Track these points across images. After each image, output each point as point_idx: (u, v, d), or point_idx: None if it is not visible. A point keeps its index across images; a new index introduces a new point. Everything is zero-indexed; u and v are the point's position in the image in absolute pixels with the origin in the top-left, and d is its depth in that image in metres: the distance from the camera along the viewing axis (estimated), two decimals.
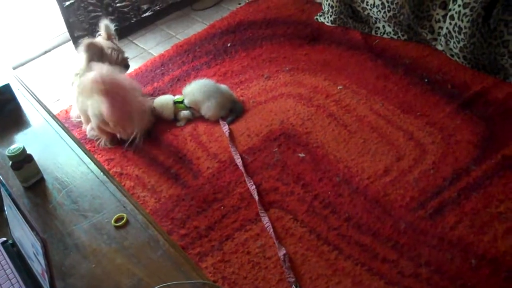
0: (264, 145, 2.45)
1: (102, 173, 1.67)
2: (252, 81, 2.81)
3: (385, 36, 2.89)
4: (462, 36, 2.47)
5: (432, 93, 2.53)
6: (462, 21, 2.43)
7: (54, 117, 1.97)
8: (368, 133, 2.40)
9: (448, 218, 2.01)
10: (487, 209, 2.01)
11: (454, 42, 2.53)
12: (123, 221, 1.49)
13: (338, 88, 2.66)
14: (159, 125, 2.67)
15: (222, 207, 2.21)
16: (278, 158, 2.37)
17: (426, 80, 2.59)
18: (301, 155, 2.36)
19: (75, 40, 3.36)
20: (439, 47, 2.69)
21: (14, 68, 3.30)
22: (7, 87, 1.92)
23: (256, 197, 2.18)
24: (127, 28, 3.50)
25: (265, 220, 2.10)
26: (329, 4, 3.00)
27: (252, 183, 2.25)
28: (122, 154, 2.55)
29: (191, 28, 3.42)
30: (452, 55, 2.61)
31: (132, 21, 3.50)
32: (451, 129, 2.34)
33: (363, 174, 2.23)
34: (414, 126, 2.39)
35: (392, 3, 2.67)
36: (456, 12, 2.45)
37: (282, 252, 1.98)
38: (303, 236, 2.05)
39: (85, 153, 1.76)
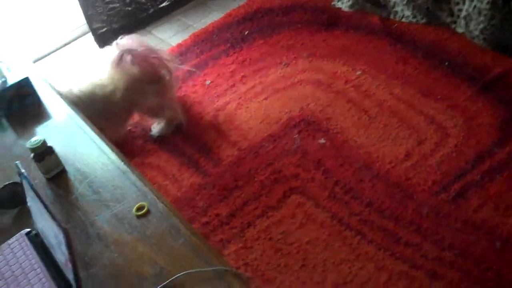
0: (284, 132, 2.44)
1: (123, 163, 1.67)
2: (271, 69, 2.80)
3: (403, 20, 2.86)
4: (482, 18, 2.43)
5: (452, 76, 2.50)
6: (481, 2, 2.40)
7: (74, 109, 1.98)
8: (388, 118, 2.38)
9: (472, 201, 1.99)
10: (511, 191, 1.98)
11: (474, 24, 2.50)
12: (144, 210, 1.50)
13: (357, 73, 2.64)
14: None
15: (243, 195, 2.22)
16: (298, 145, 2.36)
17: (446, 63, 2.56)
18: (322, 141, 2.35)
19: (95, 32, 3.37)
20: (459, 30, 2.66)
21: (34, 62, 3.33)
22: (26, 81, 1.93)
23: None
24: (145, 18, 3.50)
25: None
26: None
27: None
28: (142, 145, 2.56)
29: (208, 18, 3.41)
30: (473, 38, 2.57)
31: (150, 12, 3.50)
32: (472, 112, 2.31)
33: (384, 159, 2.22)
34: (435, 110, 2.36)
35: None
36: None
37: None
38: (325, 221, 2.04)
39: (106, 144, 1.77)
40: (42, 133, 1.87)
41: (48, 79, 2.18)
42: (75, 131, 1.85)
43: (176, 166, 2.41)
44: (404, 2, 2.72)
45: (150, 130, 2.63)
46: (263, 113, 2.57)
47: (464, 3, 2.52)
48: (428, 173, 2.12)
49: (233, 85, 2.76)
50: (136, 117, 2.62)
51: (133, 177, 1.62)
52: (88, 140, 1.80)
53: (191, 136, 2.54)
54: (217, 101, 2.67)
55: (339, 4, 3.08)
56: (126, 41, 2.39)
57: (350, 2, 2.99)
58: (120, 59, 2.35)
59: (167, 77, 2.50)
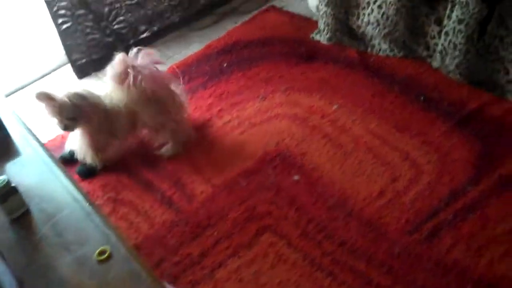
0: (259, 167, 2.42)
1: (87, 204, 1.65)
2: (248, 102, 2.79)
3: (381, 53, 2.86)
4: (457, 52, 2.43)
5: (428, 111, 2.50)
6: (457, 37, 2.40)
7: (43, 146, 1.95)
8: (363, 154, 2.37)
9: (444, 240, 1.97)
10: (484, 231, 1.97)
11: (449, 59, 2.50)
12: (106, 255, 1.47)
13: (334, 107, 2.63)
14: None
15: (216, 233, 2.18)
16: (272, 181, 2.34)
17: (422, 98, 2.56)
18: (296, 177, 2.33)
19: (74, 63, 3.36)
20: (435, 64, 2.66)
21: (8, 95, 3.29)
22: None
23: None
24: (125, 49, 3.49)
25: None
26: (324, 22, 2.98)
27: None
28: (117, 179, 2.53)
29: (188, 49, 3.41)
30: (449, 72, 2.58)
31: (130, 43, 3.49)
32: (447, 148, 2.30)
33: (358, 196, 2.20)
34: (410, 145, 2.35)
35: (386, 20, 2.64)
36: (451, 28, 2.42)
37: None
38: (297, 262, 2.01)
39: (73, 184, 1.74)
40: (8, 170, 1.84)
41: (20, 113, 2.17)
42: (42, 169, 1.83)
43: (149, 202, 2.38)
44: (381, 35, 2.72)
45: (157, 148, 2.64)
46: (238, 148, 2.54)
47: (439, 37, 2.53)
48: (401, 211, 2.10)
49: (210, 119, 2.74)
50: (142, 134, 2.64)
51: (97, 219, 1.59)
52: (54, 179, 1.78)
53: (165, 171, 2.51)
54: (193, 135, 2.64)
55: (317, 37, 3.08)
56: (133, 57, 2.38)
57: (328, 35, 3.00)
58: (125, 76, 2.34)
59: (172, 97, 2.50)
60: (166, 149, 2.61)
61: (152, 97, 2.40)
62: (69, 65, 3.40)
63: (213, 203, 2.31)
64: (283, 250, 2.06)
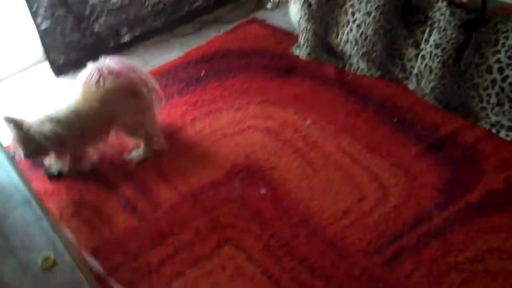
0: (227, 179, 2.39)
1: (39, 207, 1.61)
2: (222, 112, 2.76)
3: (358, 72, 2.85)
4: (433, 76, 2.42)
5: (401, 133, 2.48)
6: (433, 61, 2.39)
7: (2, 147, 1.92)
8: (332, 172, 2.34)
9: (405, 265, 1.94)
10: (445, 258, 1.94)
11: (425, 82, 2.49)
12: (50, 262, 1.43)
13: (307, 123, 2.61)
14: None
15: (177, 242, 2.15)
16: (239, 193, 2.31)
17: (396, 120, 2.54)
18: (263, 191, 2.30)
19: (52, 62, 3.32)
20: (411, 87, 2.65)
21: None
22: None
23: None
24: (105, 52, 3.45)
25: None
26: (304, 37, 2.96)
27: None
28: (84, 181, 2.49)
29: (169, 55, 3.38)
30: (424, 95, 2.56)
31: (110, 45, 3.46)
32: (417, 171, 2.28)
33: (322, 214, 2.17)
34: (379, 166, 2.33)
35: (365, 40, 2.63)
36: (427, 52, 2.42)
37: None
38: (255, 276, 1.98)
39: (26, 186, 1.71)
40: None
41: None
42: None
43: (113, 207, 2.34)
44: (359, 54, 2.71)
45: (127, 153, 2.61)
46: (208, 158, 2.51)
47: (416, 60, 2.52)
48: (364, 232, 2.07)
49: (182, 127, 2.71)
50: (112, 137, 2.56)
51: (45, 224, 1.55)
52: (7, 180, 1.74)
53: (132, 176, 2.48)
54: (164, 142, 2.60)
55: (297, 52, 3.06)
56: (103, 61, 2.35)
57: (307, 51, 2.98)
58: (94, 74, 2.29)
59: (147, 95, 2.46)
60: (137, 154, 2.57)
61: (130, 91, 2.37)
62: (47, 62, 3.36)
63: (177, 212, 2.27)
64: (242, 263, 2.03)
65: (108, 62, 2.32)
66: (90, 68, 2.31)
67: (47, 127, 2.21)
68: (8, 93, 3.24)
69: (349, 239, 2.05)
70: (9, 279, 1.41)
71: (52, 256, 1.43)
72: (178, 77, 3.07)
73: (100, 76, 2.28)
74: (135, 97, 2.39)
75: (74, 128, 2.30)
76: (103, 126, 2.43)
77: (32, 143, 2.21)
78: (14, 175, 1.75)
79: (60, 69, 3.33)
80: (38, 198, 1.66)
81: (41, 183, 2.49)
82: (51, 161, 2.45)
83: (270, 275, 1.97)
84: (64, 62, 3.32)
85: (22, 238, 1.52)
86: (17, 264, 1.44)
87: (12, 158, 1.91)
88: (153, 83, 2.51)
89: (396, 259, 1.96)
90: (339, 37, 2.82)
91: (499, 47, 2.27)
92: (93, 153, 2.54)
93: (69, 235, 2.09)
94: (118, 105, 2.37)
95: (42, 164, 2.52)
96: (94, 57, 2.65)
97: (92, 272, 1.99)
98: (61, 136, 2.24)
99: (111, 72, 2.29)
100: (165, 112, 2.82)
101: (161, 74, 3.11)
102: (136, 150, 2.58)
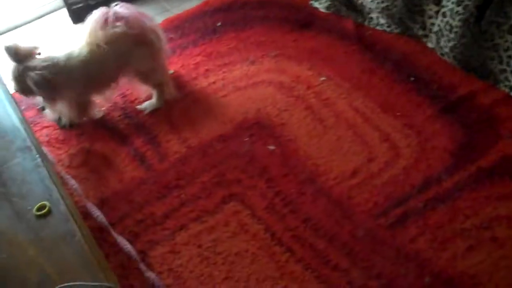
0: (236, 133, 2.36)
1: (38, 156, 1.60)
2: (236, 65, 2.71)
3: (378, 27, 2.75)
4: (453, 35, 2.33)
5: (416, 92, 2.40)
6: (453, 19, 2.29)
7: (7, 92, 1.91)
8: (343, 130, 2.29)
9: (410, 229, 1.90)
10: (451, 223, 1.90)
11: (444, 41, 2.39)
12: (45, 210, 1.43)
13: (321, 79, 2.54)
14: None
15: (182, 195, 2.14)
16: (247, 149, 2.28)
17: (412, 79, 2.46)
18: (271, 147, 2.27)
19: (69, 7, 3.28)
20: (430, 45, 2.55)
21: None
22: None
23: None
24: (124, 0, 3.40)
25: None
26: None
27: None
28: (94, 129, 2.48)
29: (187, 3, 3.30)
30: (443, 54, 2.47)
31: None
32: (429, 133, 2.22)
33: (330, 173, 2.13)
34: (392, 126, 2.27)
35: None
36: (448, 9, 2.31)
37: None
38: (258, 233, 1.97)
39: (27, 134, 1.70)
40: None
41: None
42: (0, 117, 1.78)
43: (122, 156, 2.33)
44: (379, 9, 2.61)
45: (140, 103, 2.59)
46: (219, 111, 2.48)
47: (436, 17, 2.42)
48: (371, 193, 2.03)
49: (195, 78, 2.67)
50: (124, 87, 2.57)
51: (44, 172, 1.55)
52: (11, 125, 1.73)
53: (143, 127, 2.46)
54: (175, 93, 2.57)
55: (316, 4, 2.97)
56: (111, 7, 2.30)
57: (327, 3, 2.89)
58: (104, 19, 2.25)
59: (158, 43, 2.41)
60: (150, 103, 2.55)
61: (139, 38, 2.32)
62: (65, 9, 3.32)
63: (184, 165, 2.26)
64: (246, 220, 2.02)
65: (117, 8, 2.27)
66: (97, 13, 2.26)
67: (36, 72, 2.15)
68: (25, 40, 3.22)
69: (355, 200, 2.02)
70: (3, 225, 1.41)
71: (47, 205, 1.43)
72: (194, 26, 3.01)
73: (106, 21, 2.24)
74: (145, 44, 2.35)
75: (74, 74, 2.26)
76: (109, 73, 2.40)
77: (21, 83, 2.19)
78: (17, 121, 1.74)
79: (77, 15, 3.29)
80: (39, 146, 1.65)
81: (52, 130, 2.49)
82: (60, 113, 2.44)
83: (272, 233, 1.96)
84: (82, 7, 3.27)
85: (20, 185, 1.52)
86: (13, 212, 1.45)
87: (17, 104, 1.89)
88: (161, 32, 2.45)
89: (401, 222, 1.93)
90: None
91: None
92: (102, 102, 2.52)
93: (74, 183, 2.08)
94: (127, 52, 2.32)
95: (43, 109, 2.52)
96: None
97: (96, 222, 2.00)
98: (53, 81, 2.19)
99: (118, 18, 2.25)
100: (180, 62, 2.78)
101: (178, 23, 3.06)
102: (148, 101, 2.55)
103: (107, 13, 2.25)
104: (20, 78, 2.16)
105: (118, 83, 2.49)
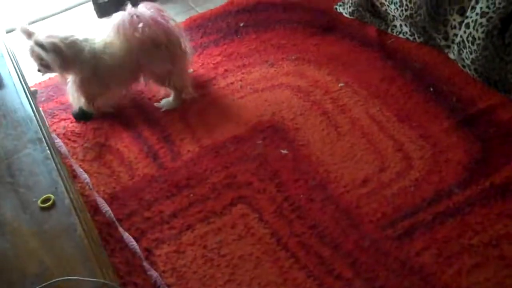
0: (250, 135, 2.36)
1: (47, 148, 1.62)
2: (255, 66, 2.71)
3: (401, 36, 2.73)
4: (475, 47, 2.29)
5: (434, 103, 2.37)
6: (477, 31, 2.26)
7: (27, 88, 1.93)
8: (357, 138, 2.28)
9: (416, 242, 1.88)
10: (459, 239, 1.87)
11: (466, 53, 2.36)
12: (49, 203, 1.45)
13: (339, 85, 2.53)
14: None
15: (192, 195, 2.15)
16: (260, 152, 2.28)
17: (431, 89, 2.43)
18: (284, 151, 2.26)
19: (95, 1, 3.31)
20: (452, 56, 2.52)
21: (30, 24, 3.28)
22: None
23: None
24: None
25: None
26: None
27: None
28: (110, 124, 2.51)
29: (211, 2, 3.32)
30: (464, 66, 2.44)
31: None
32: (445, 146, 2.19)
33: (341, 181, 2.12)
34: (407, 137, 2.25)
35: (410, 2, 2.50)
36: (472, 21, 2.28)
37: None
38: (263, 237, 1.96)
39: (40, 126, 1.72)
40: None
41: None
42: (15, 108, 1.81)
43: (135, 153, 2.35)
44: (402, 17, 2.59)
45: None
46: (234, 112, 2.48)
47: (460, 28, 2.38)
48: (380, 204, 2.01)
49: (214, 78, 2.68)
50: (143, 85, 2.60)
51: (52, 165, 1.57)
52: (24, 118, 1.75)
53: (158, 124, 2.48)
54: (193, 93, 2.58)
55: (340, 9, 2.96)
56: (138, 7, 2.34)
57: (351, 9, 2.87)
58: (129, 20, 2.28)
59: (177, 46, 2.43)
60: (167, 102, 2.56)
61: (159, 40, 2.33)
62: (91, 3, 3.36)
63: (196, 165, 2.26)
64: (253, 223, 2.02)
65: (140, 9, 2.29)
66: (122, 13, 2.28)
67: (48, 38, 2.22)
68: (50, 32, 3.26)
69: (364, 209, 2.00)
70: (8, 215, 1.43)
71: (52, 198, 1.44)
72: (217, 26, 3.02)
73: (130, 23, 2.26)
74: (165, 47, 2.36)
75: (85, 58, 2.31)
76: (126, 74, 2.44)
77: (37, 55, 2.24)
78: (31, 112, 1.76)
79: (103, 10, 3.32)
80: (51, 138, 1.67)
81: (69, 123, 2.52)
82: (74, 100, 2.47)
83: (278, 238, 1.95)
84: (108, 2, 3.30)
85: (28, 176, 1.54)
86: (19, 203, 1.46)
87: (33, 96, 1.92)
88: (183, 36, 2.48)
89: (408, 235, 1.90)
90: None
91: None
92: (112, 97, 2.56)
93: (86, 177, 2.10)
94: (146, 54, 2.34)
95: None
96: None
97: (105, 217, 2.02)
98: (64, 51, 2.24)
99: (143, 20, 2.26)
100: (200, 61, 2.80)
101: (201, 21, 3.07)
102: (166, 99, 2.57)
103: (132, 14, 2.26)
104: (35, 49, 2.21)
105: (134, 83, 2.52)
